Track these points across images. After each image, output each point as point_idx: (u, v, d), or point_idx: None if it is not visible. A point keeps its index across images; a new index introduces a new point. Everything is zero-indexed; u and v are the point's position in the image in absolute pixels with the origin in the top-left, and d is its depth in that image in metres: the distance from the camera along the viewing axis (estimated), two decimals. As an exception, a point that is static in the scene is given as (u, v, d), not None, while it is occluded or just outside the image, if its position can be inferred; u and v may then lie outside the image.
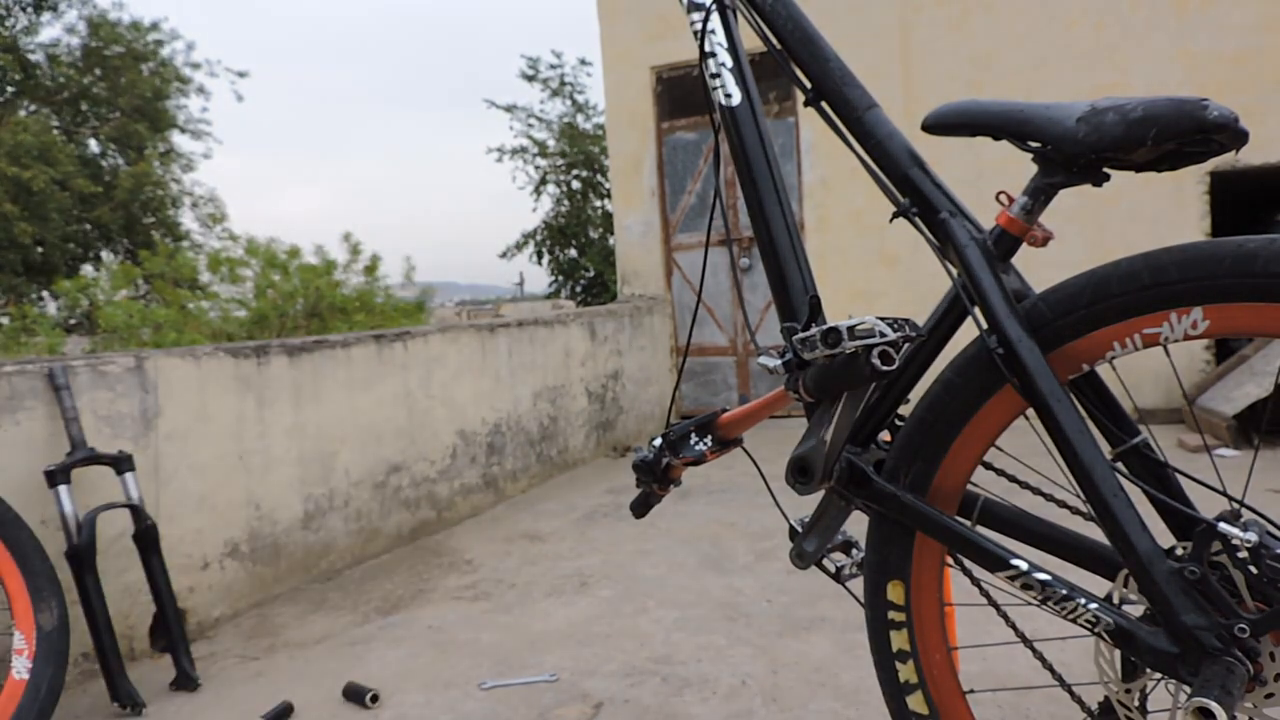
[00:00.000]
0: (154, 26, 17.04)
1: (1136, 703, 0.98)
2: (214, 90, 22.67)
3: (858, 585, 1.16)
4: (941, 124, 1.01)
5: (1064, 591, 0.93)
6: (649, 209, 6.44)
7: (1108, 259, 0.93)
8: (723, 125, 1.18)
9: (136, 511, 2.24)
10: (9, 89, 16.16)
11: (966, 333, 1.02)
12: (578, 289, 14.83)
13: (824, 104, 1.11)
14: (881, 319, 0.97)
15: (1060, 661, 1.14)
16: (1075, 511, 1.06)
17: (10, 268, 14.58)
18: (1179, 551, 0.89)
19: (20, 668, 1.81)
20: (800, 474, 1.05)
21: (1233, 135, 0.84)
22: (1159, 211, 5.15)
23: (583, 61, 15.96)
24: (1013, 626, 1.14)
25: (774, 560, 2.88)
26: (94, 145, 17.27)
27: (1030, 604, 0.97)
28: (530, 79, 15.13)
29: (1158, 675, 0.93)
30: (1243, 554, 0.85)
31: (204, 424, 2.66)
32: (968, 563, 1.10)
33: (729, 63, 1.18)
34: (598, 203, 14.88)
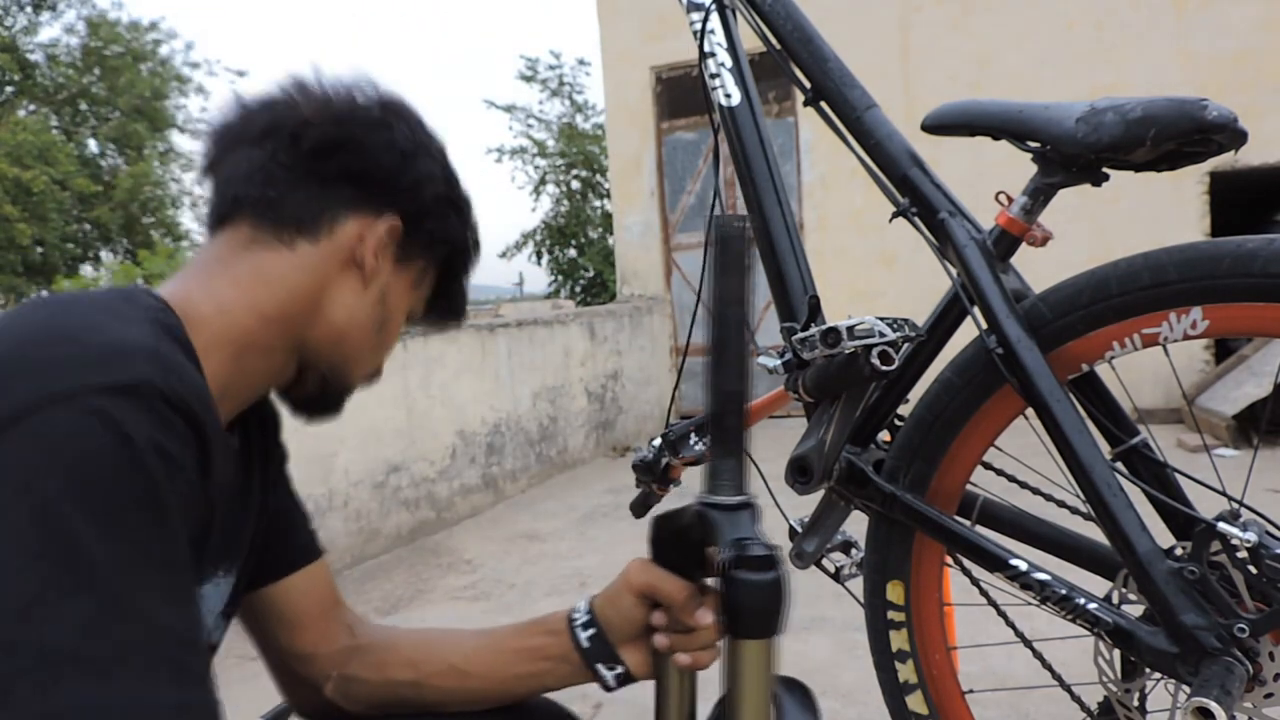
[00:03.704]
0: (153, 26, 17.06)
1: (1136, 703, 0.98)
2: (213, 90, 22.67)
3: (857, 585, 1.16)
4: (941, 124, 1.01)
5: (1063, 591, 0.93)
6: (649, 209, 6.44)
7: (1108, 259, 0.92)
8: (722, 125, 1.18)
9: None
10: (8, 89, 16.17)
11: (966, 333, 1.02)
12: (577, 289, 14.82)
13: (823, 104, 1.11)
14: (881, 319, 0.97)
15: (1060, 661, 1.14)
16: (1075, 511, 1.06)
17: (10, 268, 14.59)
18: (1178, 551, 0.89)
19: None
20: (800, 474, 1.05)
21: (1232, 135, 0.84)
22: (1159, 211, 5.16)
23: (581, 62, 15.97)
24: (1012, 626, 1.14)
25: (774, 560, 2.88)
26: (93, 145, 17.27)
27: (1030, 604, 0.97)
28: (529, 80, 15.14)
29: (1157, 675, 0.93)
30: (1242, 554, 0.85)
31: (203, 424, 2.66)
32: (967, 563, 1.10)
33: (728, 63, 1.18)
34: (597, 203, 14.88)
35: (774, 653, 0.64)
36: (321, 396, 0.76)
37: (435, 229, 0.75)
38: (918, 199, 1.04)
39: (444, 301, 0.80)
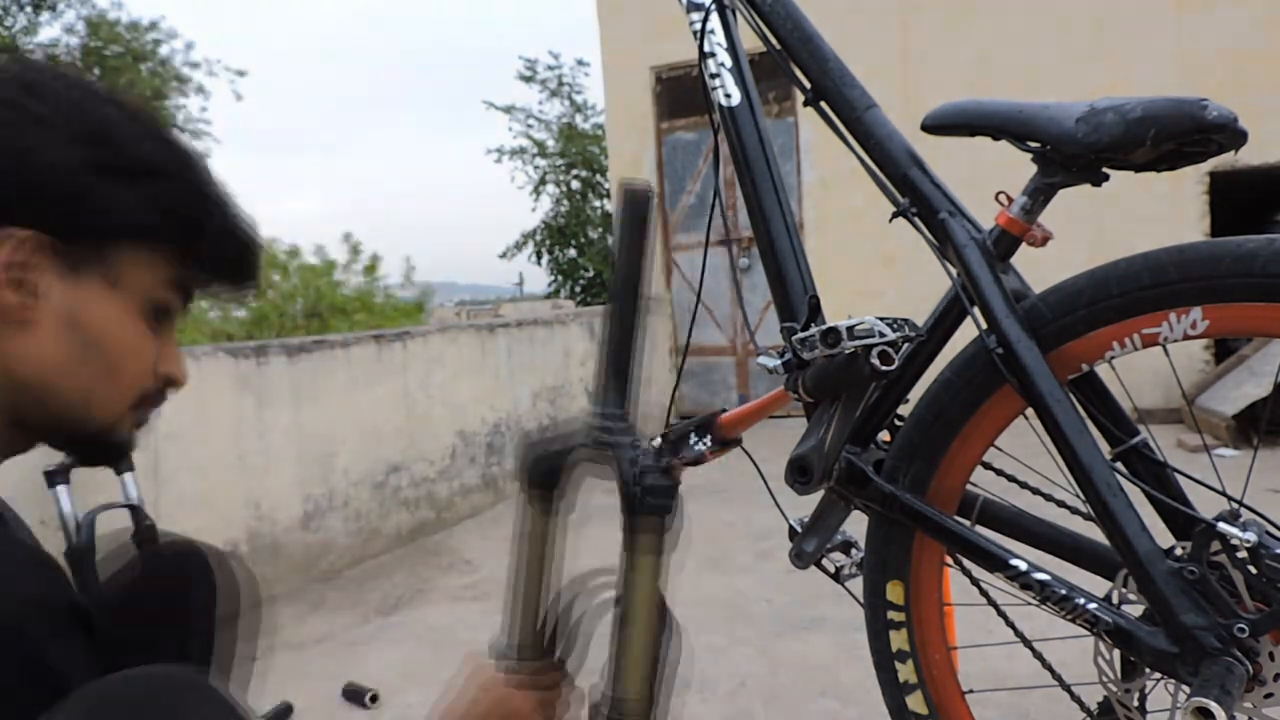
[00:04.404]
0: (153, 26, 17.05)
1: (1136, 703, 0.98)
2: (213, 90, 22.65)
3: (857, 585, 1.16)
4: (941, 124, 1.01)
5: (1063, 591, 0.93)
6: (648, 209, 6.43)
7: (1108, 259, 0.92)
8: (722, 125, 1.18)
9: (136, 511, 2.24)
10: (8, 89, 16.14)
11: (966, 332, 1.02)
12: (577, 289, 14.82)
13: (823, 104, 1.11)
14: (881, 319, 0.97)
15: (1060, 661, 1.14)
16: (1075, 511, 1.06)
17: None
18: (1178, 551, 0.89)
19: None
20: (800, 474, 1.05)
21: (1231, 135, 0.84)
22: (1159, 211, 5.15)
23: (580, 62, 15.97)
24: (1012, 626, 1.14)
25: (774, 560, 2.88)
26: (93, 145, 17.23)
27: (1030, 604, 0.97)
28: (528, 80, 15.14)
29: (1157, 675, 0.93)
30: (1242, 554, 0.85)
31: (203, 424, 2.66)
32: (967, 563, 1.10)
33: (728, 63, 1.18)
34: (597, 203, 14.88)
35: (664, 568, 0.73)
36: (81, 449, 0.66)
37: (98, 217, 0.58)
38: (918, 199, 1.04)
39: (209, 267, 0.67)
